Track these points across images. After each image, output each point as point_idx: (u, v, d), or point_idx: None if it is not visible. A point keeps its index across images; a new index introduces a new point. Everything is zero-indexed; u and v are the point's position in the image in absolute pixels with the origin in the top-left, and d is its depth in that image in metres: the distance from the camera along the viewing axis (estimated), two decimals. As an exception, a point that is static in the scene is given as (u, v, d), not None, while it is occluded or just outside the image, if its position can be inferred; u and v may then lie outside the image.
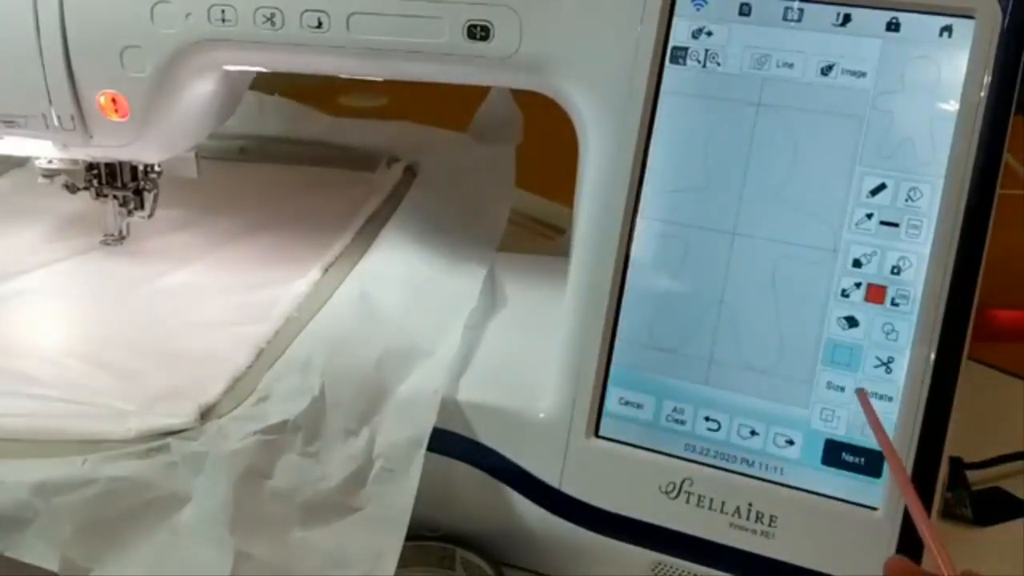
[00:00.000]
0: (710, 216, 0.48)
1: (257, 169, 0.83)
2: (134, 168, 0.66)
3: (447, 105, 0.82)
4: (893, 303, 0.46)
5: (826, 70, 0.46)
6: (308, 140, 0.86)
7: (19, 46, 0.56)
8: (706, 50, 0.48)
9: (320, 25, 0.53)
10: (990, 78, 0.44)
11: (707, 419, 0.49)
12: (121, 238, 0.70)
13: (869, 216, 0.46)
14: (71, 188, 0.67)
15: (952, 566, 0.34)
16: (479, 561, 0.54)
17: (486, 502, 0.53)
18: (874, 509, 0.46)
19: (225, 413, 0.51)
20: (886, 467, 0.46)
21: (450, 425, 0.52)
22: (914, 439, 0.45)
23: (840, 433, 0.47)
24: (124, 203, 0.68)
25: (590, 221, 0.51)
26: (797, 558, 0.47)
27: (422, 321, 0.58)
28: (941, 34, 0.45)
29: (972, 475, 0.62)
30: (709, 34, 0.48)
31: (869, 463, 0.46)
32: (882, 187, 0.46)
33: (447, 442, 0.52)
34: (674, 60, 0.49)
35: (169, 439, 0.49)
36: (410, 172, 0.79)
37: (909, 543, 0.45)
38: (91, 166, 0.66)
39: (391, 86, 0.81)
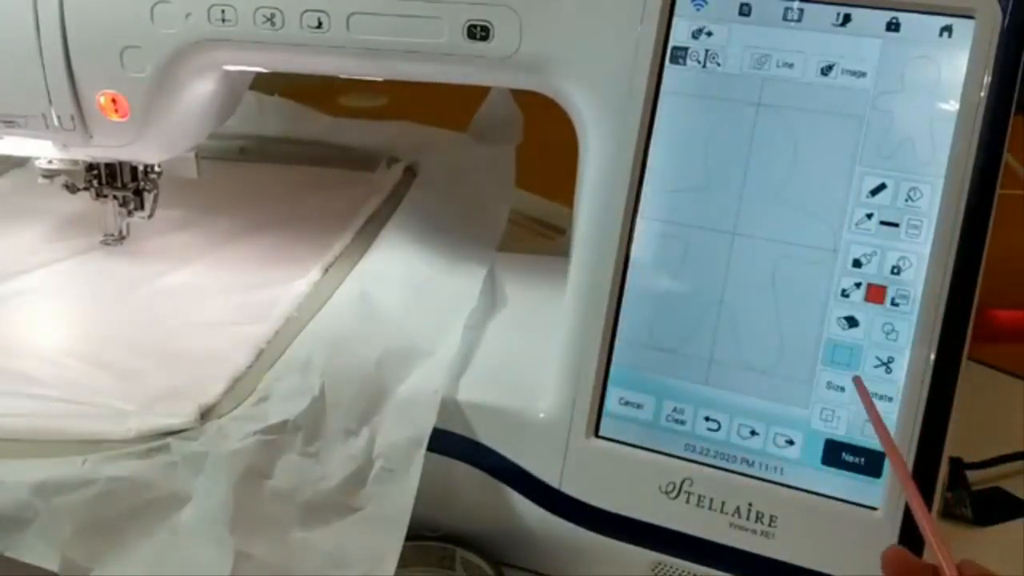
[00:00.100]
0: (710, 216, 0.48)
1: (257, 169, 0.83)
2: (134, 168, 0.66)
3: (447, 105, 0.82)
4: (893, 303, 0.46)
5: (826, 70, 0.46)
6: (308, 140, 0.85)
7: (19, 46, 0.56)
8: (706, 50, 0.48)
9: (320, 25, 0.53)
10: (990, 78, 0.44)
11: (707, 419, 0.49)
12: (121, 238, 0.70)
13: (869, 216, 0.46)
14: (71, 188, 0.67)
15: (951, 558, 0.34)
16: (479, 561, 0.54)
17: (486, 502, 0.53)
18: (874, 509, 0.46)
19: (225, 413, 0.51)
20: (886, 467, 0.46)
21: (450, 425, 0.52)
22: (914, 439, 0.45)
23: (840, 433, 0.47)
24: (124, 203, 0.68)
25: (590, 221, 0.51)
26: (797, 558, 0.47)
27: (422, 321, 0.58)
28: (941, 34, 0.45)
29: (972, 475, 0.62)
30: (709, 34, 0.48)
31: (869, 463, 0.46)
32: (882, 187, 0.46)
33: (447, 442, 0.52)
34: (674, 60, 0.49)
35: (169, 439, 0.49)
36: (410, 172, 0.79)
37: (909, 543, 0.45)
38: (91, 166, 0.66)
39: (391, 86, 0.81)
